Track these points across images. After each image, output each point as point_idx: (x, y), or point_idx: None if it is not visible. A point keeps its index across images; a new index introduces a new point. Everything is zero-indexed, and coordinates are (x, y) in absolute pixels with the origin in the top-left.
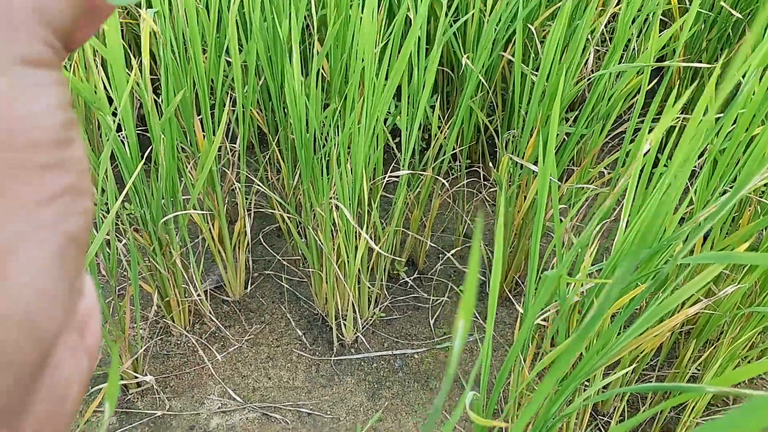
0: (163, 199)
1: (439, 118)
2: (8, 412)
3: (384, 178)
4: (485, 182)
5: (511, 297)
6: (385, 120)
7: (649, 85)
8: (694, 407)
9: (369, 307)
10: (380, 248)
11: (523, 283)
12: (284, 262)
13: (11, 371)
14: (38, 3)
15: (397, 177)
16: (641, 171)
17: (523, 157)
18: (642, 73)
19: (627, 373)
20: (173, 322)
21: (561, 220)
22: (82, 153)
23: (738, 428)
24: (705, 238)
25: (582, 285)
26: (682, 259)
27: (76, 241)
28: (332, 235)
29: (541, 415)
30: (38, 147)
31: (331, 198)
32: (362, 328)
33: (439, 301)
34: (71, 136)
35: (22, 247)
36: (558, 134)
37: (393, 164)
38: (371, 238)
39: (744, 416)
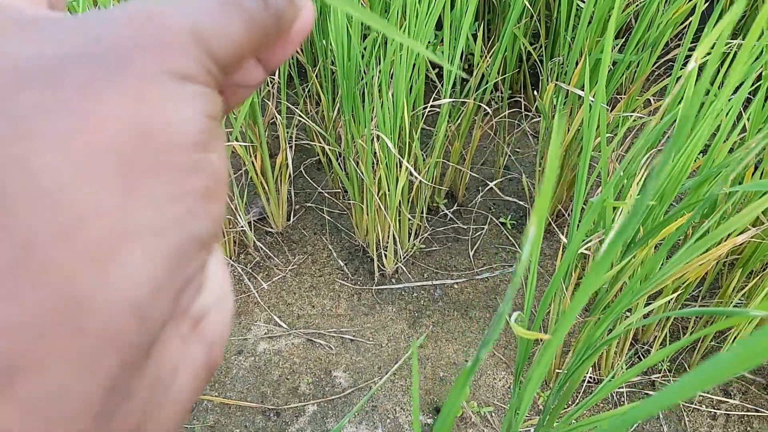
0: None
1: (481, 47)
2: (115, 394)
3: (425, 108)
4: (527, 113)
5: (552, 227)
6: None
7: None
8: (736, 337)
9: (409, 239)
10: (421, 179)
11: (564, 215)
12: (325, 194)
13: (117, 353)
14: (196, 27)
15: (438, 108)
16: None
17: (569, 85)
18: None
19: (669, 302)
20: None
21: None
22: (220, 161)
23: None
24: (756, 168)
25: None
26: (731, 189)
27: (200, 241)
28: (373, 166)
29: (583, 341)
30: (175, 148)
31: (372, 130)
32: (402, 259)
33: (478, 233)
34: (211, 144)
35: (145, 237)
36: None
37: (433, 97)
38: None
39: None
